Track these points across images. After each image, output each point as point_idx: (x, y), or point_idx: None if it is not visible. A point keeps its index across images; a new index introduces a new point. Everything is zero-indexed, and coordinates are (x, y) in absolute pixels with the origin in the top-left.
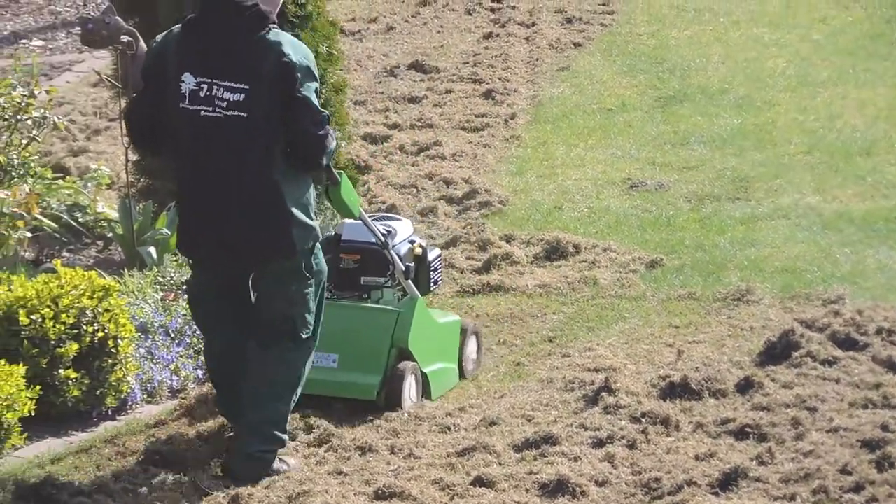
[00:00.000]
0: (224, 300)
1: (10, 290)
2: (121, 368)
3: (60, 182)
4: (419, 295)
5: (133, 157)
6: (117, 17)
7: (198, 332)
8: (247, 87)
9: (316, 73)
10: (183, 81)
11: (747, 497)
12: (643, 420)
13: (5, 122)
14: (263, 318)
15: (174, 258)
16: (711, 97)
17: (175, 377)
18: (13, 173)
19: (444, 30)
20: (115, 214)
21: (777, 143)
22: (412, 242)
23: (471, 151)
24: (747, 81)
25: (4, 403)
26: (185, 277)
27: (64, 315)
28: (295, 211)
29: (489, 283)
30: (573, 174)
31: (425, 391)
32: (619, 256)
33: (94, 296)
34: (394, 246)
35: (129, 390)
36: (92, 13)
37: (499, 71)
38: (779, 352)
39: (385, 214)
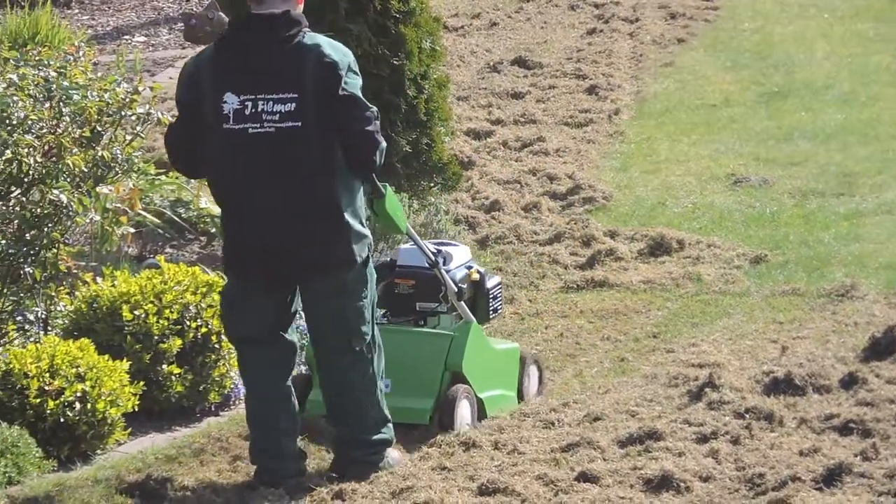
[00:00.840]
0: (267, 314)
1: (113, 285)
2: (224, 364)
3: (163, 178)
4: (473, 318)
5: None
6: (220, 13)
7: (301, 327)
8: (295, 94)
9: (358, 70)
10: (225, 102)
11: (851, 493)
12: (747, 416)
13: (109, 119)
14: (320, 331)
15: None
16: (815, 92)
17: None
18: (117, 169)
19: (548, 25)
20: (218, 210)
21: (881, 138)
22: (469, 268)
23: (574, 147)
24: (851, 77)
25: (108, 399)
26: None
27: (167, 311)
28: (351, 220)
29: (593, 279)
30: (677, 170)
31: (481, 417)
32: (723, 252)
33: (198, 291)
34: (449, 271)
35: (231, 386)
36: (195, 9)
37: (602, 66)
38: (883, 347)
39: (443, 241)
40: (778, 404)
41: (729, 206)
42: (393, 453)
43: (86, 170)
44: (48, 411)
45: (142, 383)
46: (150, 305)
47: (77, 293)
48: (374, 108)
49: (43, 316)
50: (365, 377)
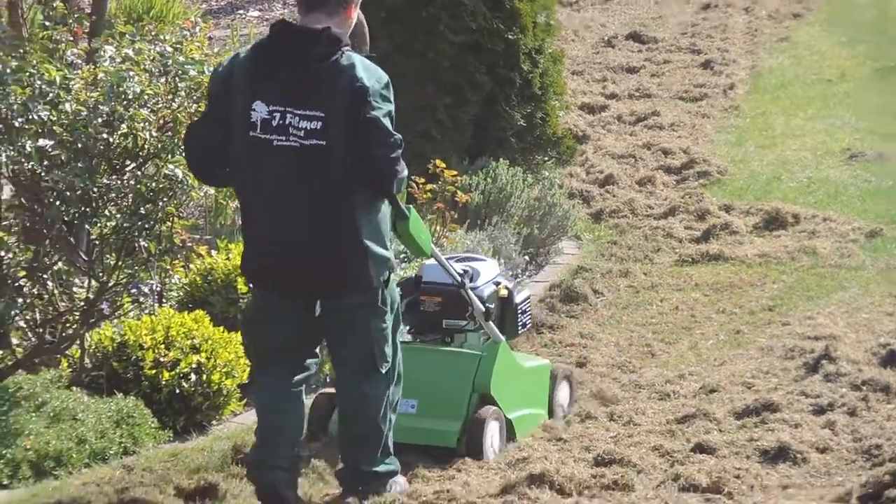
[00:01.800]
0: (288, 328)
1: (228, 258)
2: None
3: None
4: (502, 338)
5: None
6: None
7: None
8: (322, 114)
9: (391, 97)
10: (254, 110)
11: None
12: (863, 388)
13: None
14: (339, 352)
15: None
16: None
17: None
18: None
19: (662, 0)
20: None
21: None
22: (497, 284)
23: (689, 121)
24: None
25: (223, 370)
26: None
27: None
28: (370, 243)
29: (708, 253)
30: (792, 144)
31: (510, 438)
32: (839, 226)
33: None
34: (476, 287)
35: None
36: None
37: (717, 41)
38: None
39: (468, 255)
40: (894, 377)
41: (844, 181)
42: (399, 480)
43: None
44: (163, 382)
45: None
46: None
47: (191, 266)
48: (398, 137)
49: (158, 289)
50: (378, 406)
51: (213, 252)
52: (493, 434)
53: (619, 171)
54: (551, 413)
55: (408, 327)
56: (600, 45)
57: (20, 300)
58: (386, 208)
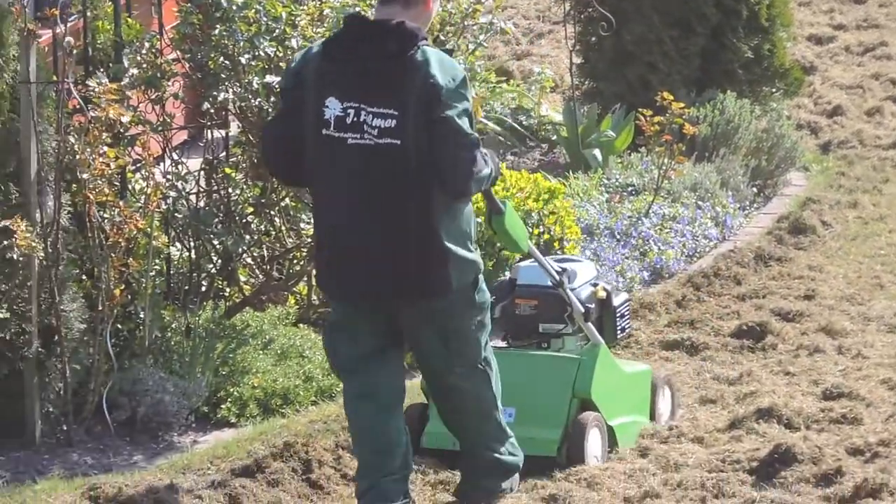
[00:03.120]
0: (372, 338)
1: None
2: None
3: (504, 86)
4: (601, 340)
5: (577, 60)
6: None
7: (644, 234)
8: (396, 112)
9: (468, 94)
10: (327, 107)
11: None
12: None
13: (452, 28)
14: (421, 359)
15: (618, 160)
16: None
17: (621, 278)
18: None
19: None
20: (559, 117)
21: None
22: (595, 285)
23: None
24: None
25: None
26: (631, 179)
27: None
28: (451, 245)
29: None
30: None
31: (612, 447)
32: None
33: (540, 198)
34: (574, 289)
35: None
36: None
37: None
38: None
39: (565, 256)
40: None
41: None
42: (516, 479)
43: None
44: None
45: None
46: None
47: None
48: (475, 135)
49: None
50: (482, 402)
51: None
52: (594, 442)
53: (846, 102)
54: (652, 420)
55: (502, 333)
56: None
57: (248, 237)
58: (470, 209)
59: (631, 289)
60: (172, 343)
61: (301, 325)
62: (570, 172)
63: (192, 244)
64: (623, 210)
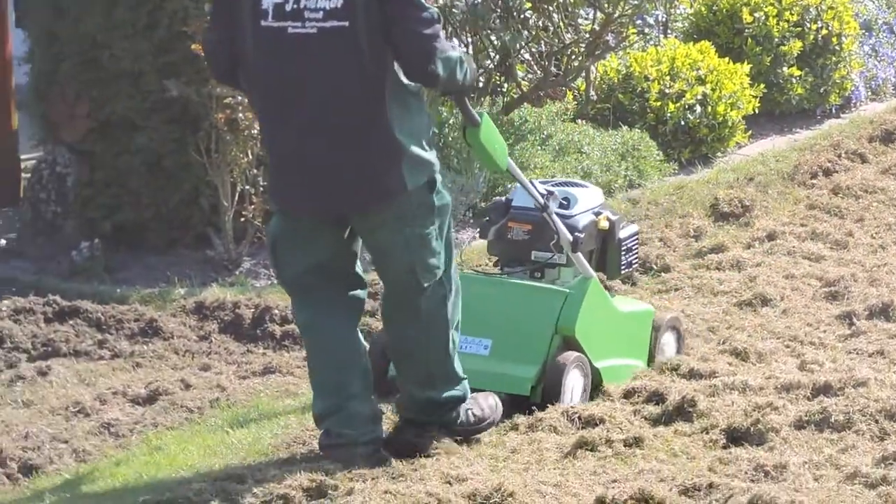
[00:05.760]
0: (324, 250)
1: None
2: (844, 66)
3: None
4: (593, 273)
5: None
6: None
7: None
8: None
9: None
10: None
11: None
12: None
13: None
14: (380, 270)
15: None
16: None
17: None
18: None
19: None
20: None
21: None
22: (597, 214)
23: None
24: None
25: (728, 102)
26: None
27: (787, 13)
28: (403, 140)
29: None
30: None
31: (596, 389)
32: None
33: None
34: (571, 216)
35: (852, 88)
36: None
37: None
38: None
39: (570, 181)
40: None
41: None
42: (483, 401)
43: None
44: (668, 114)
45: (762, 86)
46: (770, 7)
47: None
48: (434, 10)
49: (663, 20)
50: (432, 324)
51: None
52: (574, 384)
53: None
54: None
55: (494, 258)
56: None
57: (525, 32)
58: (425, 108)
59: None
60: (450, 139)
61: (579, 121)
62: None
63: (469, 40)
64: (442, 182)
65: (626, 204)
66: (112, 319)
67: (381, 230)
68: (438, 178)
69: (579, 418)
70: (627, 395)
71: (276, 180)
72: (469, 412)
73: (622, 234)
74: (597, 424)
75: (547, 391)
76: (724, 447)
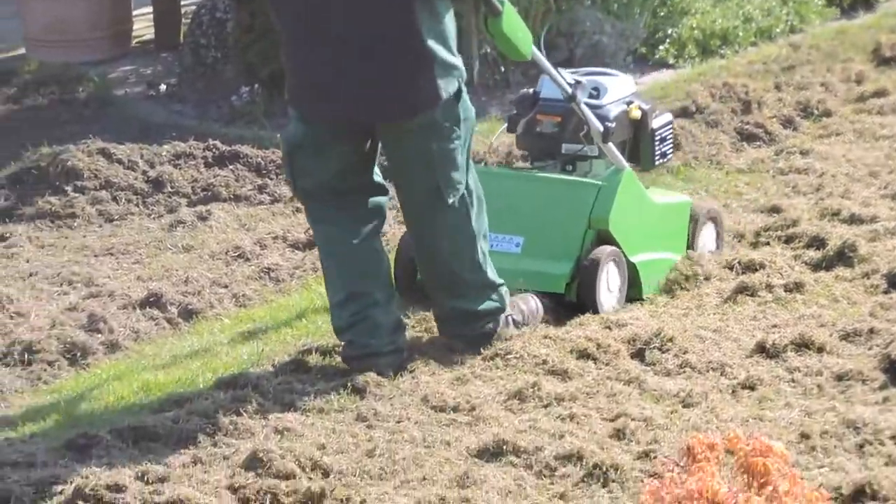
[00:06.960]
0: (340, 159)
1: None
2: None
3: None
4: (626, 165)
5: None
6: None
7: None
8: None
9: None
10: None
11: None
12: None
13: None
14: (401, 184)
15: None
16: None
17: None
18: None
19: None
20: None
21: None
22: (629, 104)
23: None
24: None
25: None
26: None
27: None
28: (435, 47)
29: None
30: None
31: (633, 285)
32: None
33: None
34: (601, 106)
35: None
36: None
37: None
38: None
39: (599, 70)
40: None
41: None
42: (524, 305)
43: None
44: None
45: None
46: None
47: None
48: None
49: None
50: (459, 238)
51: None
52: (609, 279)
53: None
54: None
55: (523, 151)
56: None
57: None
58: (451, 13)
59: None
60: None
61: None
62: None
63: None
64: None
65: (787, 49)
66: (272, 164)
67: (408, 141)
68: (464, 87)
69: (739, 264)
70: (788, 240)
71: (300, 86)
72: (509, 318)
73: (655, 123)
74: (757, 270)
75: (582, 289)
76: (885, 292)
